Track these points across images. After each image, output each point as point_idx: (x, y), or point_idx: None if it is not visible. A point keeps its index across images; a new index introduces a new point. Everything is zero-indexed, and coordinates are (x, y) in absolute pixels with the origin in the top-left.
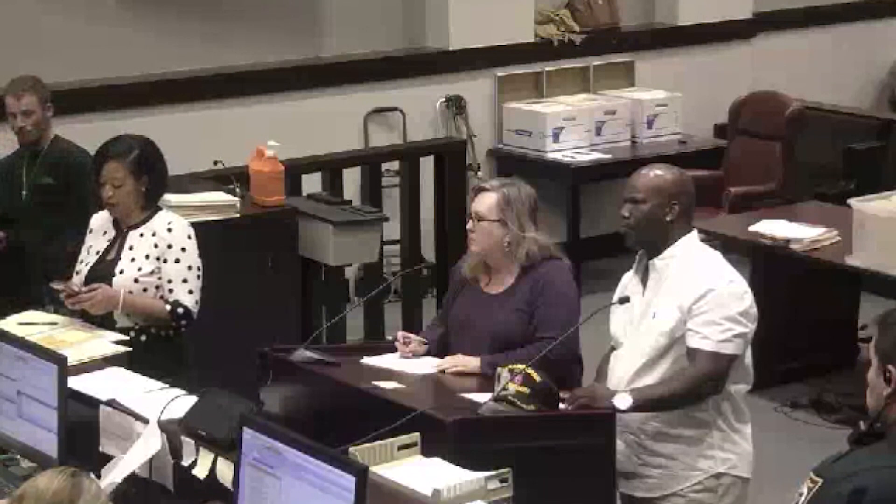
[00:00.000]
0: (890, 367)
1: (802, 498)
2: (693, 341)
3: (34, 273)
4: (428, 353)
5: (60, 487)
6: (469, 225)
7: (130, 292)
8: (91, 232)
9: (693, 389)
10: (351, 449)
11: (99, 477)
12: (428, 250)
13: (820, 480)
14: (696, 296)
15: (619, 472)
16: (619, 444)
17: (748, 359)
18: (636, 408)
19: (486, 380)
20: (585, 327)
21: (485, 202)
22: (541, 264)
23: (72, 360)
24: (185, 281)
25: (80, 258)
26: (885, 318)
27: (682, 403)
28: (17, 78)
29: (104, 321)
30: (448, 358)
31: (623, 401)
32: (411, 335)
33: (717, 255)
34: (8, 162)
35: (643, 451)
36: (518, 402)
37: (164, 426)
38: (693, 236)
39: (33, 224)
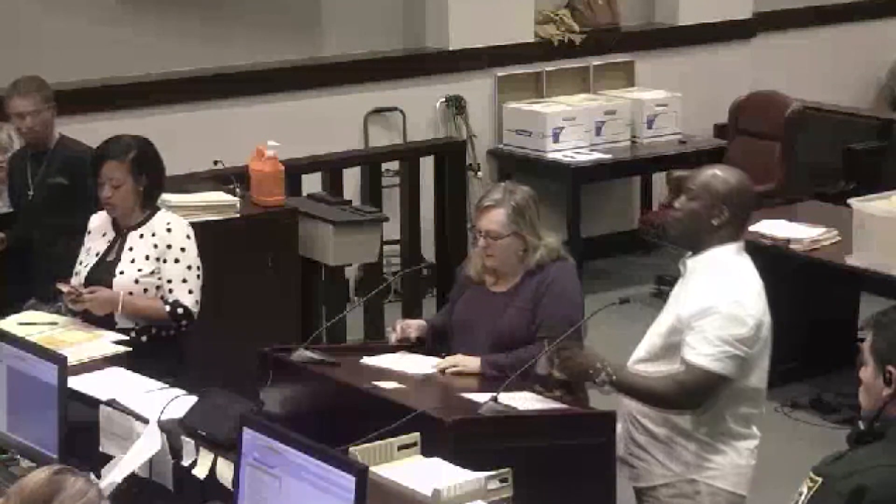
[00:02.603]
0: (890, 367)
1: (802, 497)
2: (686, 353)
3: (39, 273)
4: (424, 340)
5: (38, 485)
6: (481, 243)
7: (130, 293)
8: (90, 233)
9: (670, 396)
10: (351, 449)
11: (99, 477)
12: (428, 250)
13: (819, 479)
14: (697, 311)
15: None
16: (618, 428)
17: (755, 382)
18: (613, 385)
19: (486, 380)
20: (585, 327)
21: (495, 219)
22: (547, 265)
23: (72, 360)
24: (184, 281)
25: (79, 259)
26: (879, 319)
27: (657, 405)
28: (22, 78)
29: (104, 321)
30: (448, 358)
31: (602, 377)
32: (409, 322)
33: (743, 273)
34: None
35: (629, 439)
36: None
37: (164, 426)
38: (731, 248)
39: (39, 224)
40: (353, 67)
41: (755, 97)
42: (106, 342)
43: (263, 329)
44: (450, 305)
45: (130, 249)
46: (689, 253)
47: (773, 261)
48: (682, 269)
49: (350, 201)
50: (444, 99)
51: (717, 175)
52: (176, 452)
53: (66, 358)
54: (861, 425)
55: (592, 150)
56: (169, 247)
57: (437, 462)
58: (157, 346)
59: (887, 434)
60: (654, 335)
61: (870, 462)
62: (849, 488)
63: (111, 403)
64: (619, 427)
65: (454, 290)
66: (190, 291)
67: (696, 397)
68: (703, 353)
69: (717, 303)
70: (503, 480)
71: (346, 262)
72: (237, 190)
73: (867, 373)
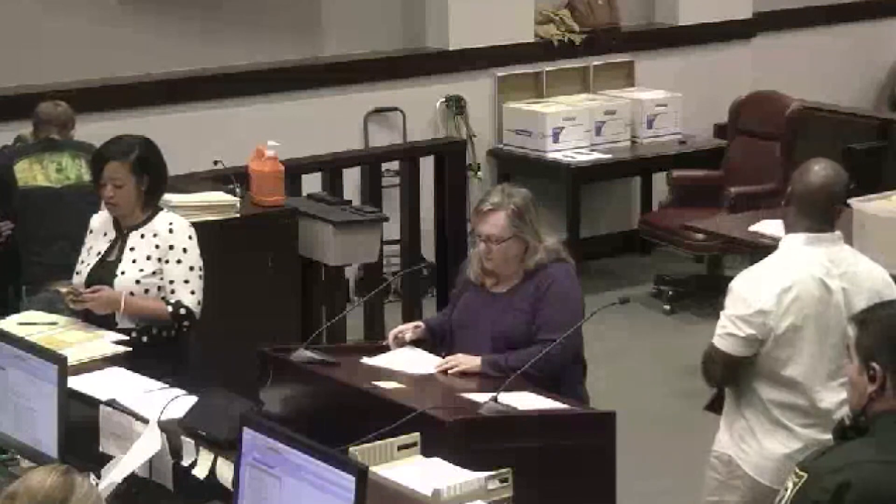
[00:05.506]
0: (874, 364)
1: (787, 493)
2: None
3: None
4: (422, 341)
5: (53, 485)
6: (482, 247)
7: (132, 293)
8: (91, 233)
9: (703, 365)
10: (351, 449)
11: (99, 477)
12: (428, 250)
13: (805, 475)
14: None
15: None
16: None
17: (791, 373)
18: None
19: (486, 380)
20: (585, 327)
21: (495, 223)
22: (546, 266)
23: (72, 360)
24: (186, 281)
25: (80, 259)
26: (864, 317)
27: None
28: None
29: (105, 321)
30: (448, 358)
31: None
32: (402, 327)
33: (785, 264)
34: None
35: None
36: None
37: (164, 426)
38: (797, 238)
39: None
40: (353, 67)
41: (755, 97)
42: (106, 342)
43: (263, 329)
44: (450, 307)
45: (132, 250)
46: None
47: None
48: None
49: (350, 201)
50: (444, 99)
51: (801, 166)
52: (176, 452)
53: (66, 358)
54: (846, 420)
55: (592, 150)
56: (171, 247)
57: (437, 462)
58: (157, 346)
59: (872, 430)
60: None
61: (855, 458)
62: (834, 484)
63: (111, 403)
64: None
65: (454, 291)
66: (192, 292)
67: (709, 370)
68: (716, 329)
69: (735, 283)
70: (503, 480)
71: (346, 262)
72: (237, 190)
73: (853, 369)
